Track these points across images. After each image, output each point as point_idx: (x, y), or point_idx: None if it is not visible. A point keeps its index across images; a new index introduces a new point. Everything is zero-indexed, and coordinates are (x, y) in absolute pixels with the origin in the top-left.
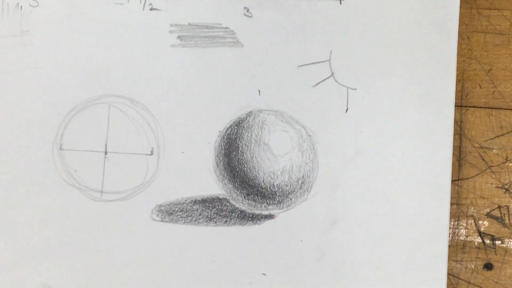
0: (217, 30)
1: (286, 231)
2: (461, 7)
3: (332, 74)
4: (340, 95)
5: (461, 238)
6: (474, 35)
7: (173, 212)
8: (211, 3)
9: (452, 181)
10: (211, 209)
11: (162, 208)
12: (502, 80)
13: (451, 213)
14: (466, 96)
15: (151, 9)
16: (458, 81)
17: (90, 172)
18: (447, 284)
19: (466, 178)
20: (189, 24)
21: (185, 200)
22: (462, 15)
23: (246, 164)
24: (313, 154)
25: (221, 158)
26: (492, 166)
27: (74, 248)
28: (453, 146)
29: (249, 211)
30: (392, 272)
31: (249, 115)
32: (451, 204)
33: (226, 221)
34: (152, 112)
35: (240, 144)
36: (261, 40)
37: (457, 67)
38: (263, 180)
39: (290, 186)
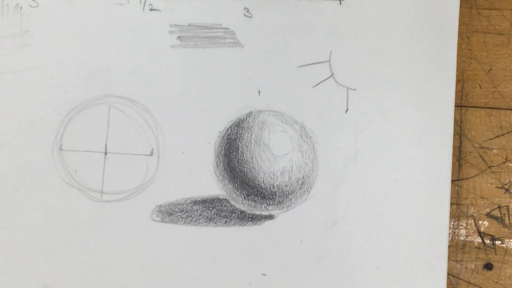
0: (217, 30)
1: (286, 232)
2: (461, 7)
3: (332, 74)
4: (340, 96)
5: (461, 238)
6: (474, 35)
7: (173, 212)
8: (211, 3)
9: (452, 181)
10: (211, 210)
11: (162, 208)
12: (502, 80)
13: (451, 213)
14: (466, 96)
15: (151, 9)
16: (458, 81)
17: (90, 173)
18: (447, 284)
19: (466, 178)
20: (189, 25)
21: (185, 201)
22: (462, 15)
23: (246, 164)
24: (313, 155)
25: (221, 158)
26: (492, 166)
27: (74, 248)
28: (453, 146)
29: (249, 212)
30: (392, 272)
31: (249, 116)
32: (451, 204)
33: (226, 221)
34: (152, 113)
35: (240, 144)
36: (261, 41)
37: (457, 67)
38: (263, 181)
39: (290, 186)
